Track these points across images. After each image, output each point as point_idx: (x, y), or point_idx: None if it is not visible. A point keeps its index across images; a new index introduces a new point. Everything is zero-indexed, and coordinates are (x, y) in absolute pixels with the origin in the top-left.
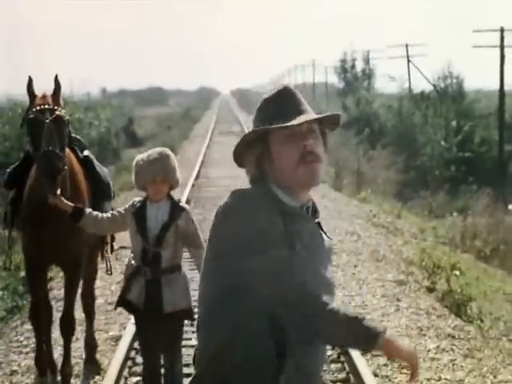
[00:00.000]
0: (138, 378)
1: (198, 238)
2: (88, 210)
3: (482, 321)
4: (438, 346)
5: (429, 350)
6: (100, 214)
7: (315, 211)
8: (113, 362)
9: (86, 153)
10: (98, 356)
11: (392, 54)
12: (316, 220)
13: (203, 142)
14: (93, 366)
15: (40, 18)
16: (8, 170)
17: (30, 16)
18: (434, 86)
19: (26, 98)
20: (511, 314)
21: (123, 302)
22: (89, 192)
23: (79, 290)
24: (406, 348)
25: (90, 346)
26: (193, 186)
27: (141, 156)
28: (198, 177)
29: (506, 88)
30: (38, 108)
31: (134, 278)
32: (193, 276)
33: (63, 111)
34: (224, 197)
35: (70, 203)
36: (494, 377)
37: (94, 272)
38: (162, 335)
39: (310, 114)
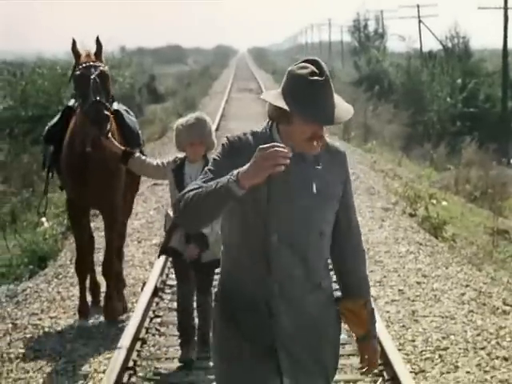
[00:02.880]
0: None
1: None
2: (137, 153)
3: (454, 241)
4: (407, 250)
5: (400, 252)
6: (147, 160)
7: (317, 160)
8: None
9: (115, 106)
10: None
11: (404, 14)
12: (316, 166)
13: (222, 98)
14: (119, 304)
15: None
16: (47, 127)
17: None
18: (443, 45)
19: (57, 57)
20: (484, 241)
21: (166, 250)
22: (121, 141)
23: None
24: (257, 163)
25: (119, 285)
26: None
27: (180, 120)
28: (217, 129)
29: (510, 47)
30: (84, 65)
31: (174, 229)
32: None
33: (106, 67)
34: None
35: (120, 146)
36: (446, 268)
37: (127, 215)
38: (197, 280)
39: (330, 117)
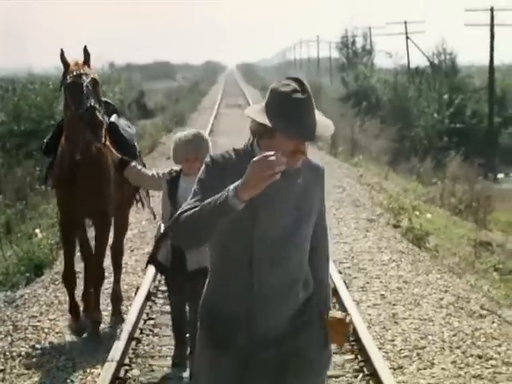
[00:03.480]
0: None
1: None
2: (133, 162)
3: (437, 251)
4: (390, 258)
5: (383, 261)
6: (143, 169)
7: (298, 174)
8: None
9: (112, 118)
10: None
11: (391, 30)
12: (298, 180)
13: (211, 114)
14: (117, 319)
15: None
16: (45, 140)
17: None
18: (430, 61)
19: (48, 72)
20: (467, 252)
21: (153, 261)
22: (116, 153)
23: (109, 244)
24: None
25: (116, 299)
26: None
27: (178, 135)
28: None
29: (496, 64)
30: (75, 73)
31: (162, 241)
32: None
33: (96, 74)
34: None
35: (117, 154)
36: (426, 275)
37: (125, 227)
38: (186, 289)
39: (310, 133)
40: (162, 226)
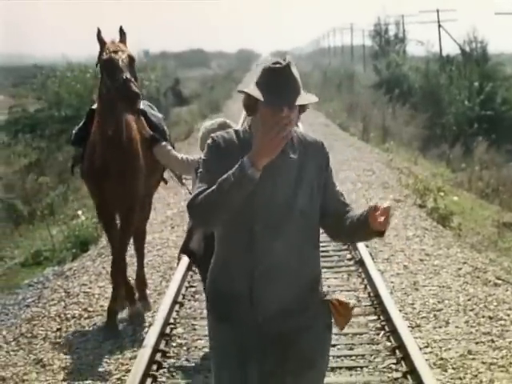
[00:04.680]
0: None
1: None
2: (164, 143)
3: (461, 230)
4: (414, 234)
5: (407, 236)
6: (173, 151)
7: (292, 151)
8: None
9: (140, 105)
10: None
11: (424, 18)
12: (291, 155)
13: None
14: (144, 304)
15: None
16: (73, 131)
17: None
18: (462, 49)
19: (82, 60)
20: (490, 231)
21: (186, 250)
22: (143, 137)
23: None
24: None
25: (142, 284)
26: None
27: (205, 124)
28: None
29: None
30: (112, 49)
31: (194, 229)
32: None
33: (132, 52)
34: None
35: (149, 130)
36: (448, 249)
37: (148, 212)
38: None
39: (287, 99)
40: None
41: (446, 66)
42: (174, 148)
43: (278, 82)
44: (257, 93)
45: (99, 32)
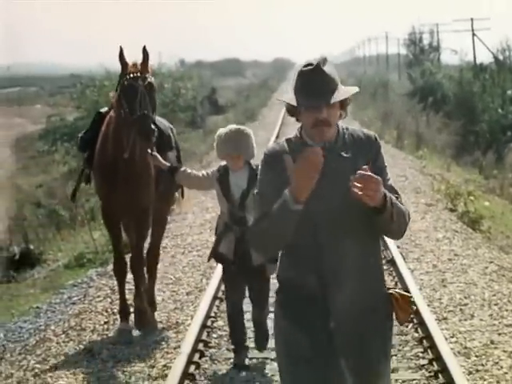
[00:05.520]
0: None
1: None
2: (183, 168)
3: (490, 233)
4: (444, 236)
5: (437, 238)
6: (193, 172)
7: (344, 149)
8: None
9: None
10: None
11: (458, 27)
12: (342, 152)
13: (280, 109)
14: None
15: None
16: (80, 135)
17: None
18: (496, 58)
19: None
20: None
21: (215, 254)
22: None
23: (145, 250)
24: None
25: (150, 304)
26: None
27: (220, 131)
28: (278, 135)
29: None
30: (132, 75)
31: (224, 234)
32: None
33: (152, 78)
34: None
35: (165, 162)
36: (476, 249)
37: (163, 226)
38: (250, 288)
39: (323, 98)
40: (222, 219)
41: (480, 74)
42: (179, 156)
43: (311, 83)
44: (290, 98)
45: (121, 52)
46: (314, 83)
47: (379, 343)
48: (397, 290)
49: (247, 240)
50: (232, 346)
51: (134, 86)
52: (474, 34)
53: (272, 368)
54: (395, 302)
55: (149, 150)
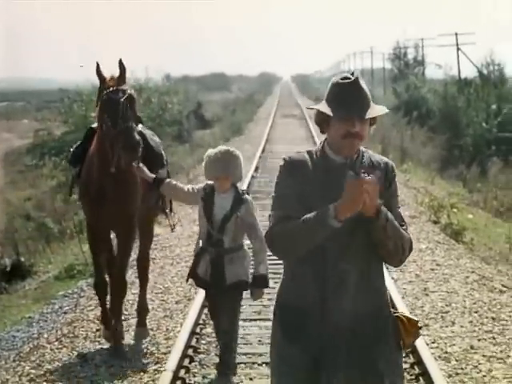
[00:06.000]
0: None
1: (256, 230)
2: (168, 179)
3: (473, 245)
4: (427, 247)
5: (420, 248)
6: (178, 185)
7: (361, 162)
8: None
9: (139, 127)
10: None
11: (442, 42)
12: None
13: (266, 124)
14: (143, 330)
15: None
16: (72, 149)
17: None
18: (480, 72)
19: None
20: (503, 247)
21: (193, 275)
22: (144, 161)
23: (135, 256)
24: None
25: (142, 310)
26: (260, 157)
27: (208, 152)
28: (263, 151)
29: None
30: (111, 89)
31: (201, 255)
32: None
33: (132, 90)
34: None
35: (151, 174)
36: (458, 260)
37: (150, 237)
38: (223, 303)
39: (358, 111)
40: (200, 242)
41: (464, 88)
42: (168, 173)
43: (348, 95)
44: (326, 108)
45: (98, 66)
46: (352, 96)
47: (384, 366)
48: (404, 314)
49: (221, 263)
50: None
51: (115, 99)
52: (458, 49)
53: (259, 372)
54: (401, 326)
55: (134, 164)
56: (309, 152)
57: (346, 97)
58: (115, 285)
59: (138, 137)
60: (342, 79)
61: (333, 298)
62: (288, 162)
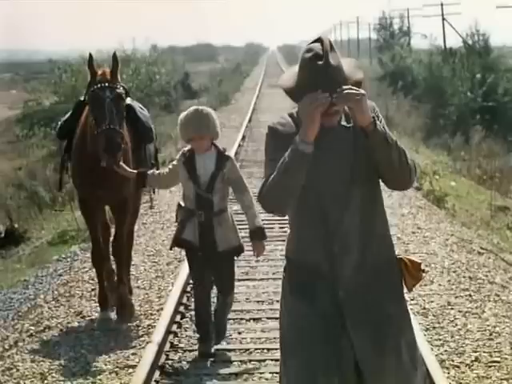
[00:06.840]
0: None
1: (243, 183)
2: (150, 171)
3: (455, 211)
4: (409, 211)
5: (402, 213)
6: (162, 172)
7: (345, 113)
8: None
9: (128, 100)
10: None
11: (428, 12)
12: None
13: (253, 94)
14: (126, 310)
15: None
16: (59, 123)
17: None
18: (465, 42)
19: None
20: (484, 213)
21: (178, 241)
22: (134, 136)
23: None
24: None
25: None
26: (246, 127)
27: (181, 116)
28: (250, 120)
29: None
30: (100, 85)
31: (187, 220)
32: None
33: (122, 88)
34: None
35: (132, 170)
36: (438, 224)
37: (135, 215)
38: (215, 271)
39: (326, 92)
40: (184, 205)
41: (449, 58)
42: (156, 148)
43: (315, 80)
44: (296, 92)
45: (90, 59)
46: (321, 80)
47: (394, 309)
48: (407, 256)
49: (210, 225)
50: (198, 335)
51: (101, 97)
52: (443, 19)
53: (247, 327)
54: (404, 268)
55: (114, 167)
56: (291, 115)
57: (315, 83)
58: (115, 252)
59: (119, 140)
60: (310, 59)
61: (339, 261)
62: (273, 127)
